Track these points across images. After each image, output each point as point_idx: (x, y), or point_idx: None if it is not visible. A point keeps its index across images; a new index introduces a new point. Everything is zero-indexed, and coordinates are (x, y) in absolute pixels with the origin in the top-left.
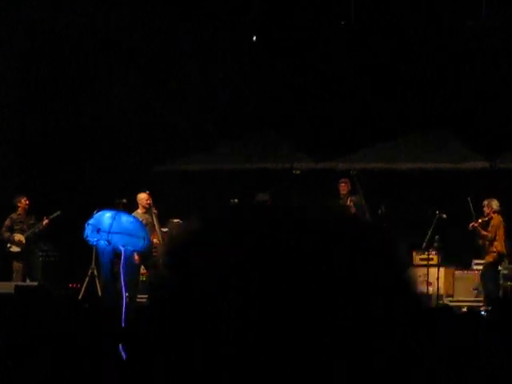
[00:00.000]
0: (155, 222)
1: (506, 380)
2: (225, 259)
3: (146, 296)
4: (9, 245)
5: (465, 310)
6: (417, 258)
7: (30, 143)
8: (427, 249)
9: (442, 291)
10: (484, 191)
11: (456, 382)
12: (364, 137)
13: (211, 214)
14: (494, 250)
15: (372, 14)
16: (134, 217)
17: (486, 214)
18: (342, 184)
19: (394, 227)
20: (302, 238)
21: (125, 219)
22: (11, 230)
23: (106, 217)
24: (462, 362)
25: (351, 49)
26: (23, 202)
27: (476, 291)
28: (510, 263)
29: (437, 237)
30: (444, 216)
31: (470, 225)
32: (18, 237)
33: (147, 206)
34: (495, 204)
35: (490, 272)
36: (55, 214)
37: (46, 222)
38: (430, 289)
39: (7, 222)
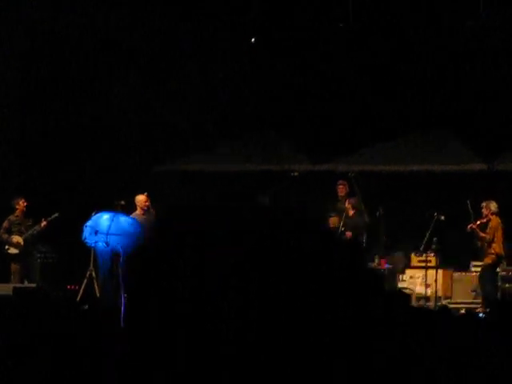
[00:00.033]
0: None
1: (505, 380)
2: (225, 259)
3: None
4: (7, 246)
5: (463, 311)
6: (415, 259)
7: (29, 143)
8: (425, 251)
9: (440, 293)
10: (482, 193)
11: (455, 383)
12: (362, 138)
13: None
14: (493, 251)
15: (372, 13)
16: (133, 218)
17: (484, 216)
18: (340, 186)
19: (393, 229)
20: (303, 238)
21: (123, 220)
22: (9, 231)
23: (103, 219)
24: (460, 363)
25: (351, 49)
26: (21, 203)
27: (474, 293)
28: (508, 265)
29: (435, 239)
30: (442, 218)
31: (469, 226)
32: (16, 238)
33: (145, 207)
34: (493, 206)
35: (488, 274)
36: (53, 216)
37: (44, 223)
38: (429, 290)
39: (5, 224)
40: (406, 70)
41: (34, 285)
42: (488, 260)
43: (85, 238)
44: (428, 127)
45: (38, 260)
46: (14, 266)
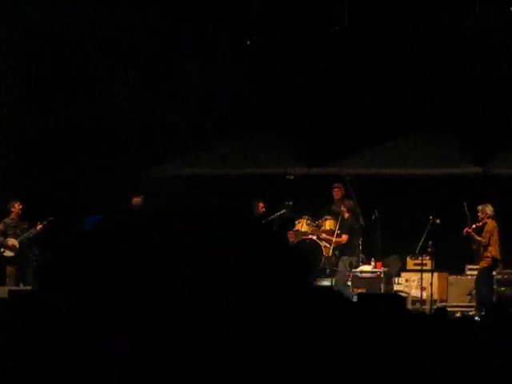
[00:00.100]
0: None
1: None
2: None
3: None
4: (2, 249)
5: (458, 315)
6: (411, 263)
7: (30, 143)
8: (421, 254)
9: (435, 296)
10: (478, 196)
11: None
12: (360, 139)
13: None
14: (488, 255)
15: (371, 13)
16: None
17: (480, 220)
18: (336, 189)
19: (388, 232)
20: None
21: None
22: (4, 234)
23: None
24: (459, 364)
25: (351, 49)
26: (16, 206)
27: (469, 296)
28: (504, 268)
29: (430, 242)
30: (438, 221)
31: (464, 230)
32: (12, 241)
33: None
34: (489, 209)
35: (484, 277)
36: (48, 220)
37: (39, 227)
38: (424, 294)
39: (0, 227)
40: (406, 70)
41: (29, 287)
42: (484, 263)
43: None
44: (425, 128)
45: (34, 263)
46: (9, 269)
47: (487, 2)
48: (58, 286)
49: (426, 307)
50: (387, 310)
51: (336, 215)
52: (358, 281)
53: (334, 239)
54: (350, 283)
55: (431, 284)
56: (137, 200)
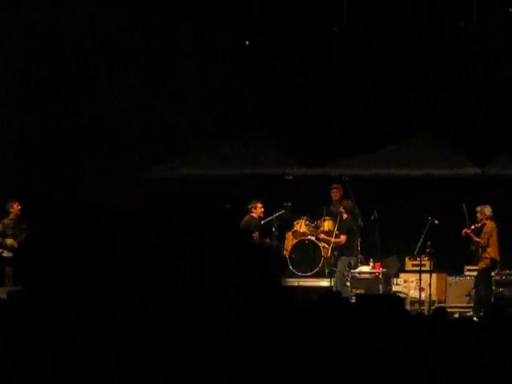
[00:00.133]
0: None
1: (503, 380)
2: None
3: None
4: (1, 250)
5: (457, 316)
6: (409, 263)
7: (30, 143)
8: (420, 255)
9: (434, 297)
10: (476, 197)
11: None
12: (359, 140)
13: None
14: (487, 256)
15: (373, 15)
16: None
17: (478, 221)
18: (334, 190)
19: (387, 233)
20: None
21: None
22: (3, 235)
23: None
24: (455, 366)
25: (351, 50)
26: (15, 207)
27: (468, 297)
28: (502, 269)
29: (429, 243)
30: (436, 222)
31: (463, 231)
32: (11, 242)
33: None
34: (488, 210)
35: (483, 278)
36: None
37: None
38: (423, 294)
39: None
40: (407, 72)
41: None
42: (483, 264)
43: None
44: (425, 130)
45: None
46: (8, 270)
47: (489, 4)
48: (39, 263)
49: (425, 308)
50: (386, 310)
51: (335, 216)
52: (357, 281)
53: (332, 240)
54: (348, 284)
55: (430, 285)
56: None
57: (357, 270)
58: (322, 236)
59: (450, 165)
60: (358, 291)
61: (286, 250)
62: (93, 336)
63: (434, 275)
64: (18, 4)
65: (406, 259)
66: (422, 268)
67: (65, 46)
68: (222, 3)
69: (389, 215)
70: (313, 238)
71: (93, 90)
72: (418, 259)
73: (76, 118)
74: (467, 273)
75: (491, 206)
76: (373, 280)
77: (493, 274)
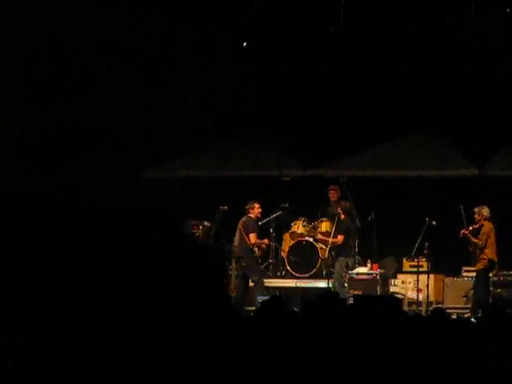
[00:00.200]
0: None
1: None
2: None
3: None
4: None
5: (454, 317)
6: (407, 264)
7: (30, 143)
8: (417, 256)
9: (431, 298)
10: (474, 198)
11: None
12: (358, 139)
13: None
14: (485, 257)
15: (372, 12)
16: None
17: (476, 222)
18: (332, 191)
19: (384, 234)
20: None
21: None
22: None
23: None
24: (453, 367)
25: (351, 48)
26: None
27: (465, 298)
28: (500, 270)
29: (426, 244)
30: (434, 223)
31: (461, 232)
32: None
33: None
34: (486, 211)
35: (481, 279)
36: None
37: None
38: (420, 295)
39: None
40: (405, 70)
41: None
42: (481, 265)
43: None
44: (423, 129)
45: None
46: None
47: (488, 0)
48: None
49: (422, 309)
50: (384, 311)
51: (332, 217)
52: (355, 282)
53: (330, 240)
54: (346, 285)
55: (427, 286)
56: None
57: (354, 271)
58: (320, 237)
59: (448, 165)
60: (356, 292)
61: (284, 251)
62: (93, 336)
63: (431, 276)
64: (17, 4)
65: (404, 260)
66: (420, 269)
67: (65, 46)
68: (222, 3)
69: (386, 216)
70: (310, 239)
71: (93, 90)
72: (416, 260)
73: (76, 117)
74: (465, 274)
75: (489, 207)
76: (370, 281)
77: (491, 275)
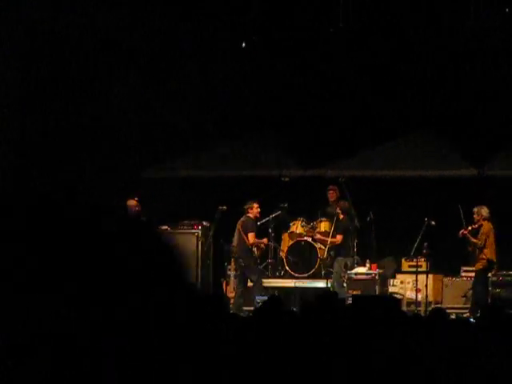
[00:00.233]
0: None
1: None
2: None
3: None
4: None
5: (453, 317)
6: (406, 264)
7: (30, 143)
8: (416, 256)
9: (430, 298)
10: (473, 198)
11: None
12: (354, 143)
13: None
14: (484, 257)
15: (371, 13)
16: None
17: (475, 222)
18: (331, 191)
19: (383, 234)
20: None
21: None
22: None
23: None
24: (452, 367)
25: (349, 48)
26: None
27: (464, 298)
28: (499, 270)
29: (426, 244)
30: (433, 223)
31: (460, 232)
32: None
33: (136, 213)
34: (485, 211)
35: (480, 279)
36: None
37: None
38: (419, 295)
39: None
40: (405, 71)
41: None
42: (480, 265)
43: None
44: (422, 129)
45: None
46: None
47: (487, 1)
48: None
49: (421, 309)
50: (382, 311)
51: (331, 217)
52: (353, 282)
53: (329, 240)
54: (345, 285)
55: (426, 286)
56: (131, 203)
57: (353, 271)
58: (318, 237)
59: (447, 165)
60: (355, 292)
61: (283, 251)
62: (93, 336)
63: (430, 276)
64: (17, 4)
65: (403, 260)
66: (419, 269)
67: (65, 46)
68: (222, 3)
69: (385, 216)
70: (309, 239)
71: (93, 90)
72: (415, 260)
73: (76, 117)
74: (464, 274)
75: (488, 207)
76: (369, 281)
77: (490, 275)
